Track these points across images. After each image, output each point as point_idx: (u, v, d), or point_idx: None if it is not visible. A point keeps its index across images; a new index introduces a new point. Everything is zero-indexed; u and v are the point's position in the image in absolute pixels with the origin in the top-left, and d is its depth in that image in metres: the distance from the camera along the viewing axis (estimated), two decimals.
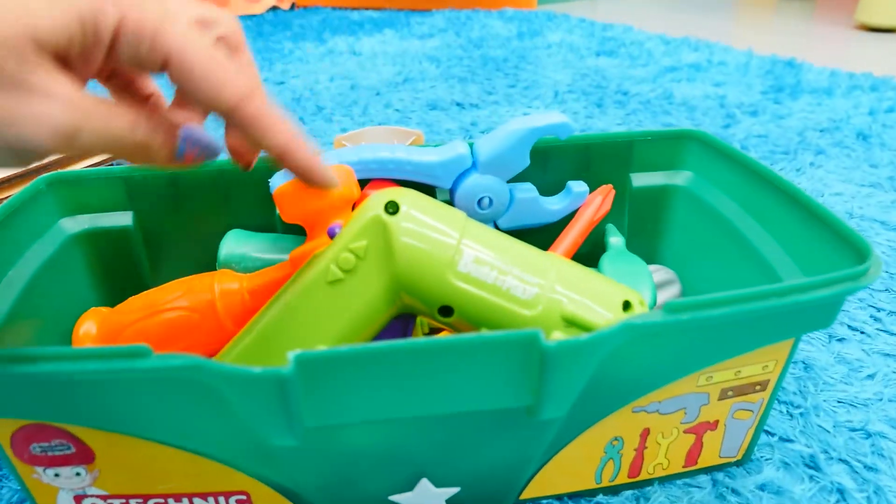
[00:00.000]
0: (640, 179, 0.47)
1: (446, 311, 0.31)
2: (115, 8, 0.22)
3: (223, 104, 0.25)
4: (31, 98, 0.20)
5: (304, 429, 0.26)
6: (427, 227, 0.31)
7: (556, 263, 0.32)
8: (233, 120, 0.25)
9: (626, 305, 0.32)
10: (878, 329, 0.48)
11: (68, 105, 0.21)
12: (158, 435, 0.30)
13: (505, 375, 0.26)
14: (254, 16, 1.87)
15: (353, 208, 0.38)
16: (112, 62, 0.24)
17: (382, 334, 0.34)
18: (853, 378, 0.43)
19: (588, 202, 0.46)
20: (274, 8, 1.97)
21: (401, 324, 0.34)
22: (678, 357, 0.30)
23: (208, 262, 0.45)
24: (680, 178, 0.47)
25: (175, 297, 0.40)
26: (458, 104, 1.02)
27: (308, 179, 0.29)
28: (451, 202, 0.44)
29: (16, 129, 0.20)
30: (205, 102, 0.25)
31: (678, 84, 1.07)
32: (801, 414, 0.41)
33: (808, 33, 1.52)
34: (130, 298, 0.41)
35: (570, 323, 0.31)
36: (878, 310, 0.50)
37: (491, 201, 0.44)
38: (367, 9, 1.93)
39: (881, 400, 0.42)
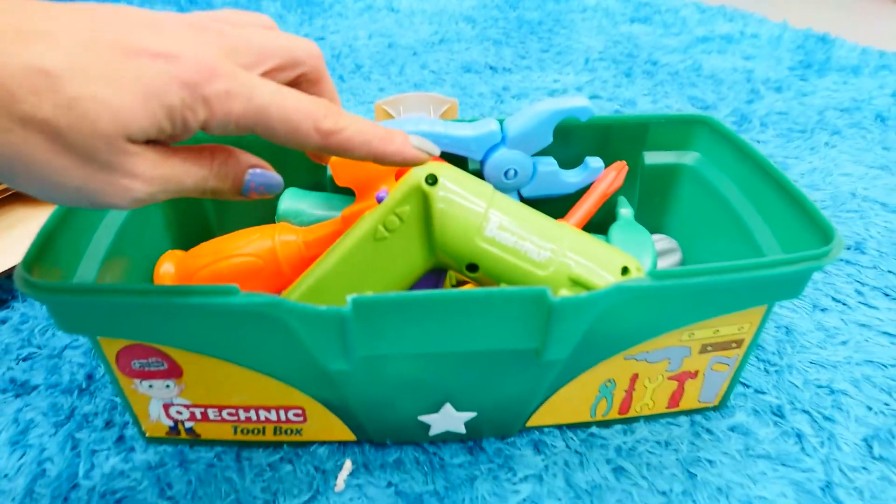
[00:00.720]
0: (652, 158, 0.52)
1: (472, 267, 0.37)
2: (204, 107, 0.25)
3: (310, 147, 0.28)
4: (117, 177, 0.25)
5: (355, 357, 0.33)
6: (460, 197, 0.37)
7: (567, 233, 0.38)
8: (322, 152, 0.29)
9: (625, 270, 0.38)
10: (859, 302, 0.54)
11: (147, 181, 0.26)
12: (235, 357, 0.37)
13: (518, 322, 0.32)
14: None
15: (396, 177, 0.45)
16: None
17: (418, 284, 0.40)
18: (828, 343, 0.49)
19: (602, 177, 0.51)
20: None
21: (434, 276, 0.41)
22: (663, 316, 0.36)
23: (267, 216, 0.51)
24: (688, 157, 0.52)
25: (241, 244, 0.46)
26: (491, 67, 1.06)
27: (403, 165, 0.32)
28: (480, 173, 0.50)
29: (104, 197, 0.25)
30: (294, 148, 0.28)
31: (708, 56, 1.09)
32: (776, 371, 0.47)
33: (846, 6, 1.51)
34: (202, 244, 0.48)
35: (576, 283, 0.37)
36: (863, 284, 0.56)
37: (516, 173, 0.49)
38: None
39: (850, 363, 0.47)
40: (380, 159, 0.30)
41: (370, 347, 0.33)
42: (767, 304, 0.38)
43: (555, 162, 0.51)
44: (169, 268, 0.47)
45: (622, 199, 0.53)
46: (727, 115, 0.87)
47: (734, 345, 0.40)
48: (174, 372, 0.38)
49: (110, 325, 0.35)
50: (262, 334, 0.34)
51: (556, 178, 0.51)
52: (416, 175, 0.37)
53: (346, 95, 0.96)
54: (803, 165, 0.75)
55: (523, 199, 0.52)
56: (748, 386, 0.46)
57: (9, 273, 0.55)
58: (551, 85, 0.98)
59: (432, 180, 0.37)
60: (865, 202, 0.67)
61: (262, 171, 0.30)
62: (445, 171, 0.38)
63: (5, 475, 0.41)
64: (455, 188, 0.37)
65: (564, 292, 0.34)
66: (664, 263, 0.52)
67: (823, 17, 1.38)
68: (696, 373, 0.41)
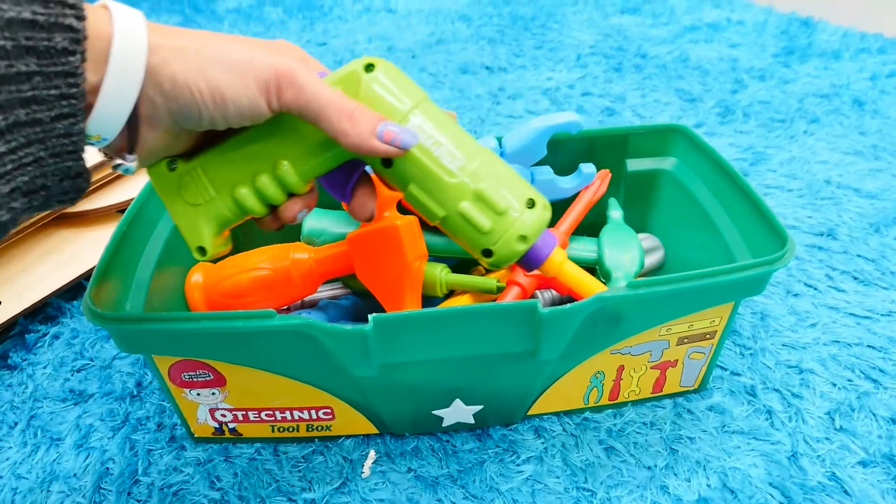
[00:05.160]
0: (633, 164, 0.57)
1: (387, 161, 0.36)
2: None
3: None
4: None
5: (376, 364, 0.39)
6: (389, 90, 0.35)
7: (486, 154, 0.37)
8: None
9: (531, 203, 0.36)
10: (828, 286, 0.59)
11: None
12: (272, 367, 0.43)
13: (515, 330, 0.38)
14: None
15: (403, 203, 0.50)
16: None
17: (331, 177, 0.39)
18: (799, 326, 0.55)
19: (588, 186, 0.56)
20: None
21: (347, 170, 0.38)
22: (642, 317, 0.42)
23: (290, 232, 0.56)
24: (667, 163, 0.57)
25: (260, 260, 0.52)
26: (487, 67, 1.10)
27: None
28: None
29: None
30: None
31: (695, 46, 1.13)
32: (750, 354, 0.52)
33: None
34: (228, 258, 0.53)
35: (479, 198, 0.36)
36: (833, 269, 0.61)
37: None
38: None
39: (818, 344, 0.53)
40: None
41: (388, 356, 0.38)
42: (734, 300, 0.43)
43: (551, 170, 0.56)
44: (198, 277, 0.52)
45: (612, 202, 0.58)
46: (712, 108, 0.92)
47: (708, 336, 0.45)
48: (219, 381, 0.44)
49: (164, 345, 0.41)
50: (296, 348, 0.40)
51: (553, 184, 0.56)
52: (357, 62, 0.36)
53: None
54: (783, 155, 0.80)
55: None
56: (725, 369, 0.51)
57: (57, 293, 0.61)
58: (545, 83, 1.03)
59: (370, 69, 0.36)
60: (839, 189, 0.72)
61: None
62: (386, 66, 0.36)
63: (74, 474, 0.47)
64: (387, 82, 0.36)
65: (466, 205, 0.36)
66: (650, 260, 0.57)
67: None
68: (676, 361, 0.46)
